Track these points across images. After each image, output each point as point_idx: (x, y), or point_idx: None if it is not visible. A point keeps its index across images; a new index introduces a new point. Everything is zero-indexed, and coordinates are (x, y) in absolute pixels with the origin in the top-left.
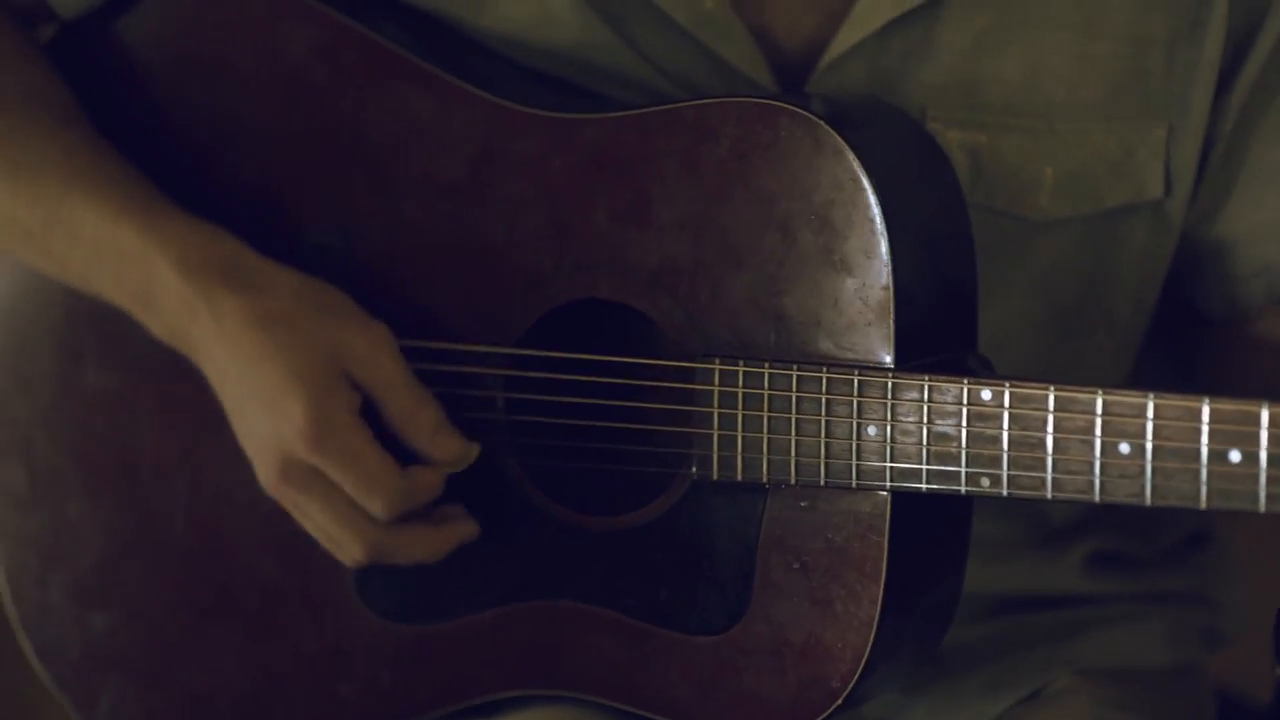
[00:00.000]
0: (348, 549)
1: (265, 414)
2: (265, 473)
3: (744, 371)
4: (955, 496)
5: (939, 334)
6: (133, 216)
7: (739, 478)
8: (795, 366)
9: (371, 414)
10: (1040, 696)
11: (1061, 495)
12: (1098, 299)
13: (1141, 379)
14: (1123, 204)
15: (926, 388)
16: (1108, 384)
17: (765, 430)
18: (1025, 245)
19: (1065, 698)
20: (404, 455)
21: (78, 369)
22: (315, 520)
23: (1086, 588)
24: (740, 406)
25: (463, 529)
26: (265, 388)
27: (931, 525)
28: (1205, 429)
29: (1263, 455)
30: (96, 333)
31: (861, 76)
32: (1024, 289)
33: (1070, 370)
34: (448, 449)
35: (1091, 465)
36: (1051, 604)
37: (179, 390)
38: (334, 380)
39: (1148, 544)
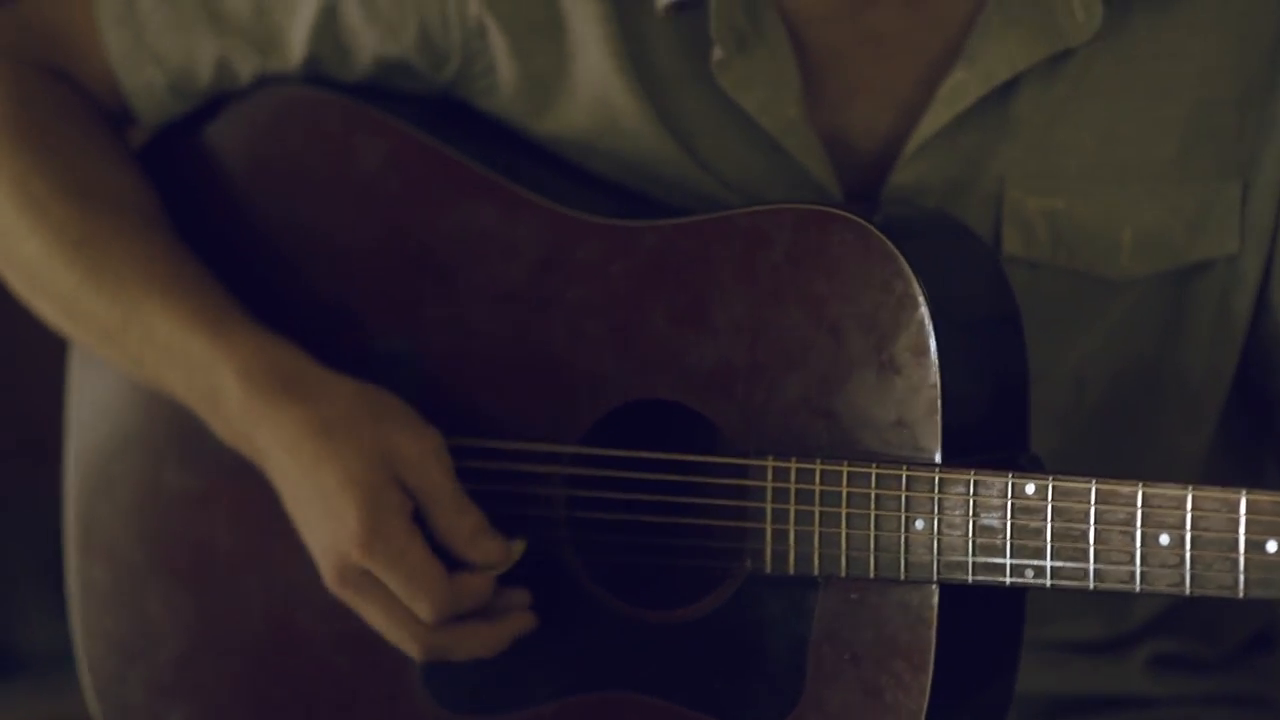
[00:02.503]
0: (405, 648)
1: (323, 518)
2: (326, 574)
3: (796, 468)
4: (1005, 589)
5: (989, 433)
6: (203, 326)
7: (791, 571)
8: (845, 463)
9: (421, 520)
10: None
11: (1104, 586)
12: (1170, 354)
13: (1219, 467)
14: (1199, 260)
15: (972, 482)
16: (1181, 451)
17: (817, 525)
18: (1105, 302)
19: None
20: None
21: (157, 469)
22: (373, 620)
23: (1149, 690)
24: (793, 502)
25: (518, 623)
26: (323, 492)
27: (981, 617)
28: (1243, 520)
29: None
30: (174, 434)
31: (941, 161)
32: (1102, 340)
33: (1145, 431)
34: (486, 552)
35: (1133, 556)
36: (1113, 705)
37: (252, 489)
38: (386, 485)
39: (1211, 646)
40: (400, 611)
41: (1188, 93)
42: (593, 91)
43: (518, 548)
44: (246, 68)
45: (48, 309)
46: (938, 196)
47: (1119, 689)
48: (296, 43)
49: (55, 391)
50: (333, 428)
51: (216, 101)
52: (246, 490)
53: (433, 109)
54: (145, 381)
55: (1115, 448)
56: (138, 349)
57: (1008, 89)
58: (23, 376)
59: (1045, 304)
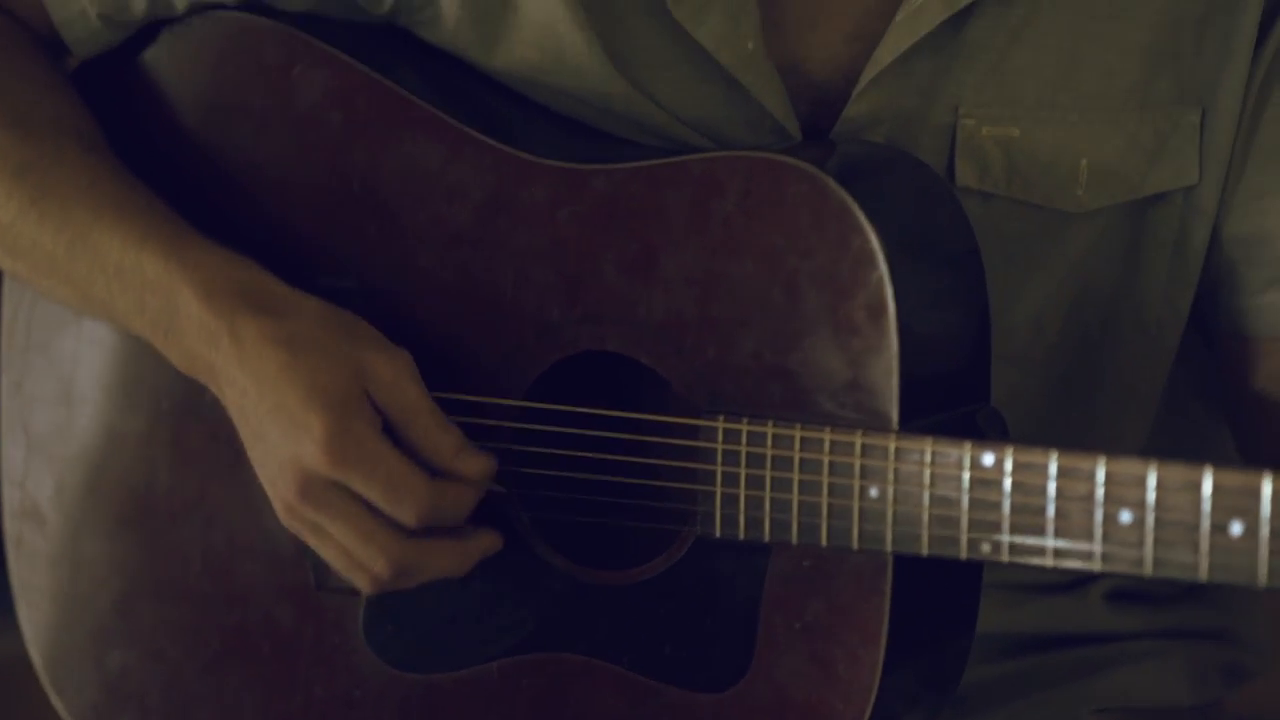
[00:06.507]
0: (370, 564)
1: (285, 432)
2: (283, 493)
3: (747, 430)
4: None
5: (949, 390)
6: (156, 244)
7: (741, 536)
8: (798, 426)
9: (391, 440)
10: None
11: (1063, 564)
12: (1128, 290)
13: (1179, 405)
14: (1157, 192)
15: (929, 452)
16: (1139, 391)
17: (768, 489)
18: (1061, 235)
19: None
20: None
21: (93, 410)
22: (336, 538)
23: (1108, 625)
24: (743, 465)
25: (485, 540)
26: (286, 405)
27: (937, 586)
28: (1207, 500)
29: (1264, 529)
30: (112, 373)
31: (896, 90)
32: (1059, 276)
33: (1104, 369)
34: (473, 467)
35: (1092, 533)
36: (1073, 642)
37: (194, 433)
38: (355, 397)
39: (1168, 580)
40: (370, 523)
41: (1155, 15)
42: (539, 24)
43: (493, 463)
44: None
45: None
46: (891, 127)
47: (1078, 625)
48: None
49: None
50: (299, 341)
51: (150, 29)
52: (186, 433)
53: (377, 40)
54: (93, 313)
55: (1072, 388)
56: (86, 276)
57: (965, 12)
58: None
59: (1001, 240)
